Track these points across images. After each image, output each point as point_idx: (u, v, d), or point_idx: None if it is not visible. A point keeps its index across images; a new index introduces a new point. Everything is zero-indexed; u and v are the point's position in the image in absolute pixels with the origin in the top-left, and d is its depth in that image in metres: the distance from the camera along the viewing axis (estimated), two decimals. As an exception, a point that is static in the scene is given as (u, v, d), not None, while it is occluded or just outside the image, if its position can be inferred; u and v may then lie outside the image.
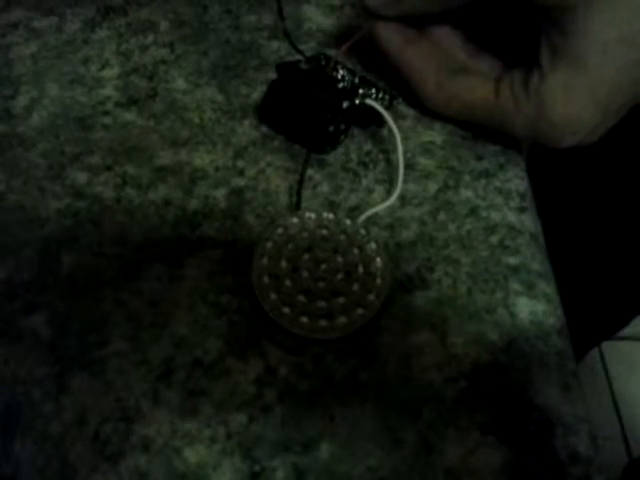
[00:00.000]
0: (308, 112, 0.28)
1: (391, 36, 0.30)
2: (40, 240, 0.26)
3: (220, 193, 0.28)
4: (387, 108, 0.29)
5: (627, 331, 0.68)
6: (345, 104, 0.28)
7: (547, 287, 0.26)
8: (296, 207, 0.27)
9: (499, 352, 0.24)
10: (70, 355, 0.23)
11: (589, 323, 0.64)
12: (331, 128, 0.28)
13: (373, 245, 0.26)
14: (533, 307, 0.25)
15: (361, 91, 0.29)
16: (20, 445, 0.21)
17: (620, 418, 1.04)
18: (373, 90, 0.30)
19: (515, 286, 0.26)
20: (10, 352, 0.23)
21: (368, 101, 0.28)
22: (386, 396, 0.23)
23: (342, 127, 0.29)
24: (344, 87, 0.29)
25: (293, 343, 0.24)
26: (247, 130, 0.30)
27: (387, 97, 0.30)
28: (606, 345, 1.09)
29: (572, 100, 0.26)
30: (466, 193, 0.29)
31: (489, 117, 0.29)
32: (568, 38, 0.25)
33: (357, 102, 0.28)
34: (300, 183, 0.28)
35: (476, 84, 0.29)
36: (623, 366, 1.09)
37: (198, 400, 0.22)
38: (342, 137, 0.29)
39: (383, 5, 0.29)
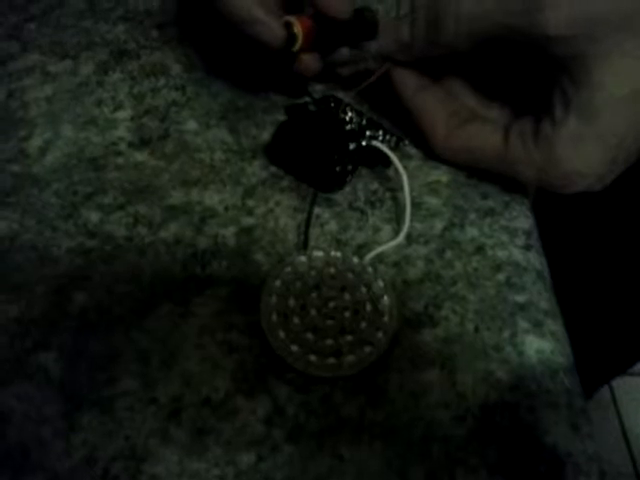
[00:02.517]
0: (315, 153, 0.29)
1: (406, 80, 0.31)
2: (52, 278, 0.27)
3: (229, 232, 0.28)
4: (393, 149, 0.29)
5: (638, 367, 0.68)
6: (352, 145, 0.29)
7: (554, 325, 0.26)
8: (304, 246, 0.28)
9: (507, 390, 0.24)
10: (80, 393, 0.23)
11: (599, 360, 0.63)
12: (338, 168, 0.29)
13: (380, 283, 0.26)
14: (540, 345, 0.25)
15: (368, 133, 0.30)
16: (29, 484, 0.21)
17: (632, 455, 1.02)
18: (380, 132, 0.30)
19: (522, 324, 0.26)
20: (21, 390, 0.24)
21: (374, 143, 0.29)
22: (394, 435, 0.23)
23: (349, 167, 0.29)
24: (352, 129, 0.30)
25: (302, 382, 0.24)
26: (256, 170, 0.31)
27: (394, 139, 0.30)
28: (617, 382, 1.08)
29: (582, 150, 0.26)
30: (472, 231, 0.29)
31: (498, 164, 0.29)
32: (581, 90, 0.26)
33: (364, 144, 0.29)
34: (307, 222, 0.28)
35: (485, 132, 0.29)
36: (634, 403, 1.07)
37: (207, 439, 0.23)
38: (349, 177, 0.30)
39: (395, 50, 0.30)
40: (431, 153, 0.31)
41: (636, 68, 0.25)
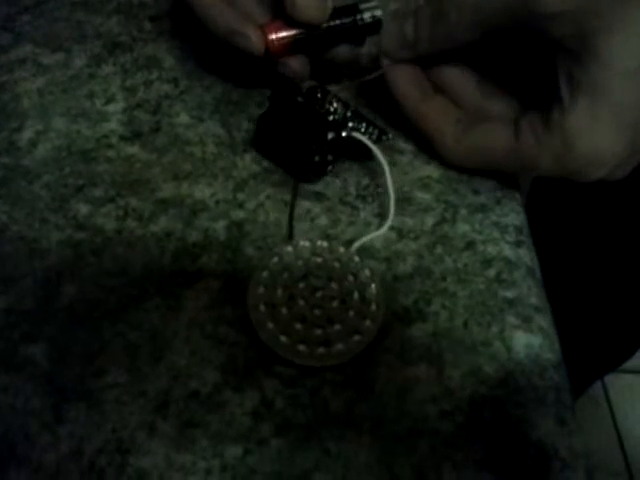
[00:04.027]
0: (295, 141, 0.29)
1: (408, 91, 0.30)
2: (41, 271, 0.26)
3: (220, 225, 0.28)
4: (375, 142, 0.29)
5: (630, 364, 0.68)
6: (330, 135, 0.29)
7: (543, 321, 0.26)
8: (289, 236, 0.28)
9: (495, 386, 0.24)
10: (68, 386, 0.23)
11: (591, 356, 0.64)
12: (317, 158, 0.29)
13: (367, 272, 0.26)
14: (529, 341, 0.25)
15: (350, 124, 0.30)
16: (15, 476, 0.21)
17: (624, 453, 1.02)
18: (363, 124, 0.30)
19: (511, 320, 0.26)
20: (8, 382, 0.23)
21: (355, 134, 0.29)
22: (382, 429, 0.23)
23: (329, 158, 0.29)
24: (334, 119, 0.30)
25: (290, 375, 0.24)
26: (248, 164, 0.31)
27: (376, 131, 0.30)
28: (609, 378, 1.08)
29: (597, 129, 0.26)
30: (463, 227, 0.29)
31: (511, 161, 0.28)
32: (587, 68, 0.25)
33: (344, 134, 0.29)
34: (291, 211, 0.28)
35: (494, 130, 0.29)
36: (627, 399, 1.08)
37: (194, 432, 0.23)
38: (330, 167, 0.30)
39: (398, 49, 0.30)
40: (422, 146, 0.31)
41: None
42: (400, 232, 0.28)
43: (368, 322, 0.25)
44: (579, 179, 0.27)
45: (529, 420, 0.23)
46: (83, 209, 0.29)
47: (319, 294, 0.25)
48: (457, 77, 0.31)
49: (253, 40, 0.30)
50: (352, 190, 0.30)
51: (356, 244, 0.27)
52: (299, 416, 0.23)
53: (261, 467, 0.22)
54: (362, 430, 0.23)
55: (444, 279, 0.27)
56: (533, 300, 0.27)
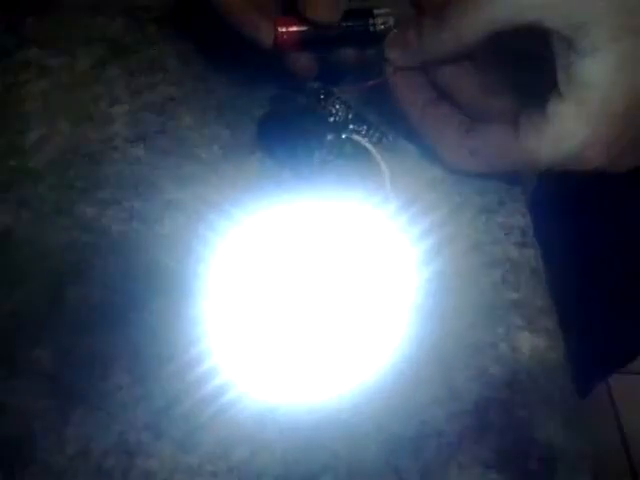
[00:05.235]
0: (295, 141, 0.29)
1: (412, 98, 0.31)
2: (47, 273, 0.27)
3: (226, 227, 0.28)
4: (375, 145, 0.29)
5: (635, 365, 0.68)
6: (330, 136, 0.29)
7: (548, 322, 0.26)
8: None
9: (501, 387, 0.24)
10: (73, 388, 0.23)
11: (596, 357, 0.63)
12: (317, 158, 0.29)
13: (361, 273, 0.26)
14: (534, 342, 0.25)
15: (352, 126, 0.30)
16: (21, 478, 0.21)
17: (628, 454, 1.02)
18: (364, 126, 0.30)
19: (517, 321, 0.26)
20: (14, 384, 0.24)
21: (354, 136, 0.29)
22: (388, 431, 0.23)
23: (329, 159, 0.30)
24: (335, 121, 0.30)
25: (295, 376, 0.24)
26: (253, 165, 0.31)
27: (376, 134, 0.30)
28: (614, 380, 1.08)
29: (592, 115, 0.26)
30: (468, 228, 0.29)
31: (513, 157, 0.29)
32: (583, 56, 0.25)
33: (344, 136, 0.29)
34: (286, 211, 0.29)
35: (494, 130, 0.29)
36: (631, 401, 1.07)
37: (200, 434, 0.23)
38: (330, 168, 0.30)
39: (401, 56, 0.30)
40: (428, 149, 0.31)
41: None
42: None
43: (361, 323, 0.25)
44: (581, 167, 0.27)
45: (535, 421, 0.23)
46: (89, 211, 0.29)
47: None
48: (460, 76, 0.31)
49: (263, 31, 0.30)
50: (357, 192, 0.30)
51: (353, 245, 0.27)
52: (305, 418, 0.23)
53: (267, 469, 0.22)
54: (369, 432, 0.23)
55: (449, 280, 0.27)
56: (538, 301, 0.27)
